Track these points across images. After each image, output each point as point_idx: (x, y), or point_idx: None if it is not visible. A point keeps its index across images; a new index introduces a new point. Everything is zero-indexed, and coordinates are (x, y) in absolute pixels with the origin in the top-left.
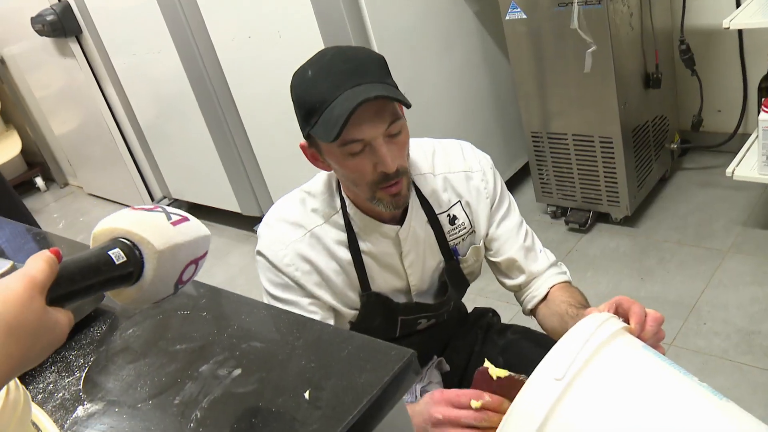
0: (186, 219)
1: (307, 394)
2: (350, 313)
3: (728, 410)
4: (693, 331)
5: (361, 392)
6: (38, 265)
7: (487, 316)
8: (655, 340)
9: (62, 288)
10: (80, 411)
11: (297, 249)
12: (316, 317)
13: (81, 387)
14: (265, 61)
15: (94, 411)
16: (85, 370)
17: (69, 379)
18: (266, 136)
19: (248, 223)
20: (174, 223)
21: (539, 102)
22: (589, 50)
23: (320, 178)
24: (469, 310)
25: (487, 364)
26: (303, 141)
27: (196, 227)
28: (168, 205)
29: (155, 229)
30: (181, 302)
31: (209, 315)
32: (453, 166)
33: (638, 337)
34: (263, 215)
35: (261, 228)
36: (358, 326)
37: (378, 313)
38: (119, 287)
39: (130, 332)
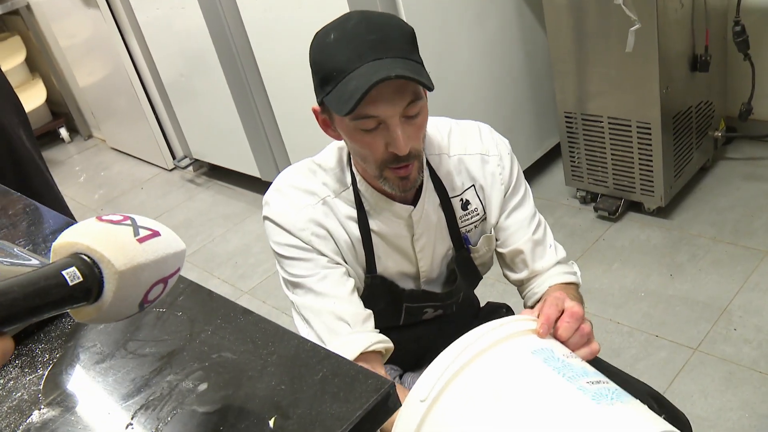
0: (156, 234)
1: (272, 423)
2: (360, 288)
3: (606, 415)
4: (721, 336)
5: (330, 426)
6: None
7: (500, 312)
8: (579, 337)
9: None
10: (35, 416)
11: (310, 214)
12: (340, 269)
13: (41, 387)
14: (288, 22)
15: (49, 418)
16: (49, 368)
17: (31, 377)
18: (288, 101)
19: (267, 188)
20: (141, 240)
21: (575, 81)
22: (633, 28)
23: (332, 151)
24: (482, 303)
25: None
26: (316, 105)
27: (165, 244)
28: (187, 166)
29: (118, 247)
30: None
31: (185, 316)
32: (469, 148)
33: (557, 337)
34: None
35: (269, 194)
36: None
37: (382, 298)
38: (75, 306)
39: (101, 327)
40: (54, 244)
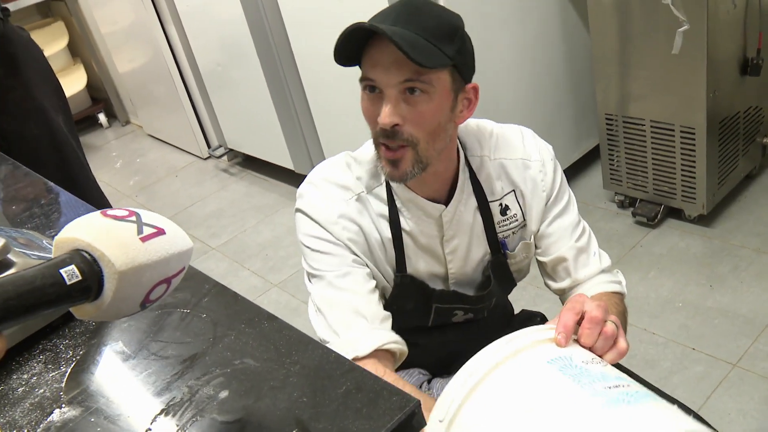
0: (161, 232)
1: None
2: (387, 288)
3: (618, 419)
4: (763, 353)
5: None
6: None
7: (534, 320)
8: (603, 341)
9: None
10: (56, 415)
11: (343, 209)
12: (364, 269)
13: (63, 385)
14: (327, 15)
15: (69, 417)
16: (72, 365)
17: (54, 374)
18: (324, 93)
19: (300, 181)
20: (144, 239)
21: (618, 82)
22: (681, 29)
23: (369, 145)
24: (516, 310)
25: None
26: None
27: (170, 243)
28: (221, 156)
29: (119, 245)
30: (183, 298)
31: (208, 318)
32: (511, 152)
33: (581, 344)
34: None
35: (304, 187)
36: (390, 307)
37: (411, 298)
38: (73, 304)
39: (125, 325)
40: (56, 237)
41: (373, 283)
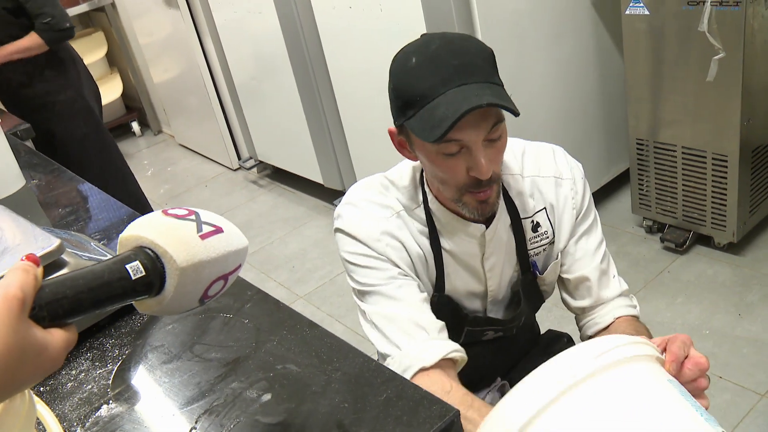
0: (219, 231)
1: None
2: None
3: None
4: None
5: None
6: (17, 278)
7: (561, 341)
8: (693, 388)
9: (64, 305)
10: (104, 410)
11: (384, 226)
12: (411, 280)
13: (110, 382)
14: (363, 33)
15: (117, 413)
16: (118, 364)
17: (101, 371)
18: (357, 110)
19: (329, 195)
20: (203, 236)
21: (650, 107)
22: (716, 57)
23: (406, 169)
24: (542, 330)
25: None
26: (393, 127)
27: (227, 241)
28: (251, 167)
29: (180, 243)
30: (226, 303)
31: (251, 323)
32: (543, 170)
33: (678, 377)
34: (345, 189)
35: (341, 207)
36: None
37: (445, 318)
38: (137, 299)
39: (169, 327)
40: (121, 236)
41: (425, 294)
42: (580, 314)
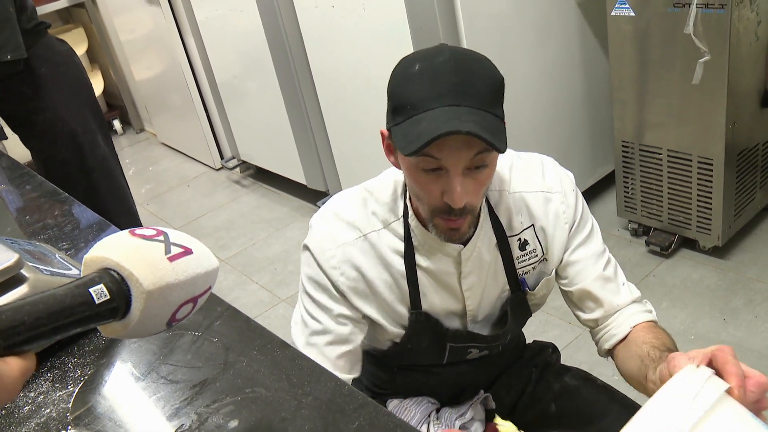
0: (188, 252)
1: None
2: (395, 332)
3: None
4: None
5: None
6: None
7: (545, 352)
8: (756, 409)
9: (22, 334)
10: None
11: (348, 253)
12: (344, 329)
13: (70, 405)
14: (345, 32)
15: None
16: (79, 385)
17: (61, 393)
18: (340, 110)
19: (312, 196)
20: (171, 258)
21: (635, 110)
22: (702, 59)
23: (388, 181)
24: (527, 334)
25: (497, 420)
26: (384, 128)
27: (197, 262)
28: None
29: (147, 265)
30: (195, 320)
31: (220, 342)
32: (531, 185)
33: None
34: (328, 190)
35: (315, 219)
36: (404, 346)
37: (426, 335)
38: (101, 323)
39: (135, 346)
40: (86, 256)
41: (351, 346)
42: (594, 327)
